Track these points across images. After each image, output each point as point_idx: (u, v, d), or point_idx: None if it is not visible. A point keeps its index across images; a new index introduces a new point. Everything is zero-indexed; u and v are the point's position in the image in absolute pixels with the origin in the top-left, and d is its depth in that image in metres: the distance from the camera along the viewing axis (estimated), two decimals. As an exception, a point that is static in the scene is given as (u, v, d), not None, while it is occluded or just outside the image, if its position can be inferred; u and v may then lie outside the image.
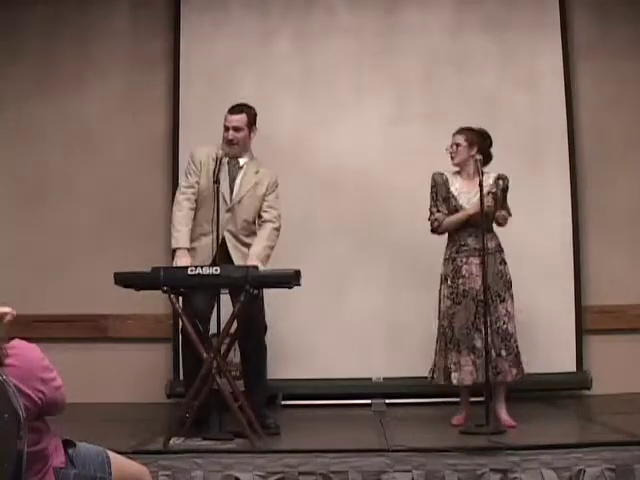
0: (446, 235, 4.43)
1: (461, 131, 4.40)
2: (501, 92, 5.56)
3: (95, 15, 5.77)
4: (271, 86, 5.59)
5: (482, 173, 4.18)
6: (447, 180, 4.40)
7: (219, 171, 4.13)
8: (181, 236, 4.23)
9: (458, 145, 4.37)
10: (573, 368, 5.37)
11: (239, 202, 4.25)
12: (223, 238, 4.19)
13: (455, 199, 4.35)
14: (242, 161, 4.31)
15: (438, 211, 4.38)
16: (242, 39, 5.64)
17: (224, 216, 4.18)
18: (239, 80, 5.56)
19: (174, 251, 4.26)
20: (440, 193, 4.40)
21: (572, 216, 5.47)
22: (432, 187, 4.42)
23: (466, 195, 4.34)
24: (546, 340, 5.21)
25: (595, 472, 3.45)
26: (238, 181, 4.27)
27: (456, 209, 4.34)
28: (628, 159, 5.60)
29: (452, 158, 4.39)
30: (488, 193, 4.29)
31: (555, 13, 5.63)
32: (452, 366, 4.25)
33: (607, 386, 5.25)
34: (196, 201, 4.26)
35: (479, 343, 4.16)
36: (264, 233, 4.27)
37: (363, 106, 5.59)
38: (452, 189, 4.38)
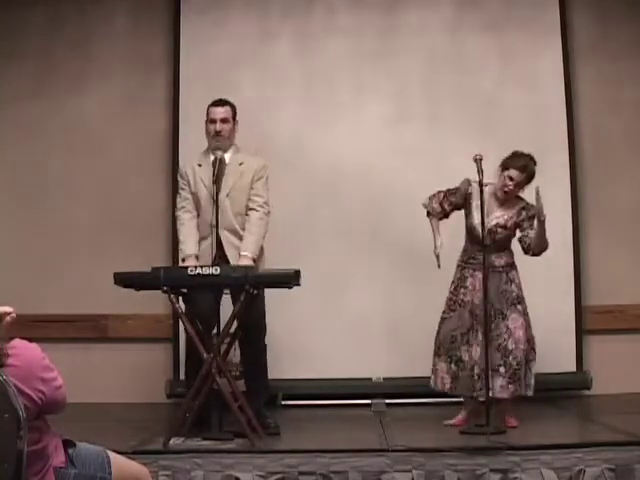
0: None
1: (519, 166, 4.28)
2: (501, 92, 5.55)
3: (95, 15, 5.76)
4: (271, 86, 5.59)
5: (481, 172, 4.15)
6: (471, 193, 4.32)
7: (219, 170, 4.14)
8: (186, 245, 4.29)
9: (512, 179, 4.27)
10: (573, 368, 5.37)
11: (227, 196, 4.25)
12: (220, 238, 4.21)
13: (471, 217, 4.31)
14: (227, 156, 4.32)
15: (438, 202, 4.37)
16: (242, 39, 5.63)
17: (214, 217, 4.18)
18: (239, 80, 5.55)
19: (182, 261, 4.28)
20: (453, 195, 4.36)
21: (572, 216, 5.47)
22: (455, 188, 4.37)
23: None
24: (546, 340, 5.19)
25: (595, 472, 3.46)
26: (224, 177, 4.27)
27: (470, 228, 4.32)
28: (628, 159, 5.60)
29: (505, 192, 4.27)
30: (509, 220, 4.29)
31: (555, 13, 5.62)
32: (432, 368, 4.32)
33: (607, 386, 5.25)
34: (196, 210, 4.32)
35: (466, 356, 4.21)
36: (249, 226, 4.26)
37: (363, 106, 5.58)
38: (472, 205, 4.32)
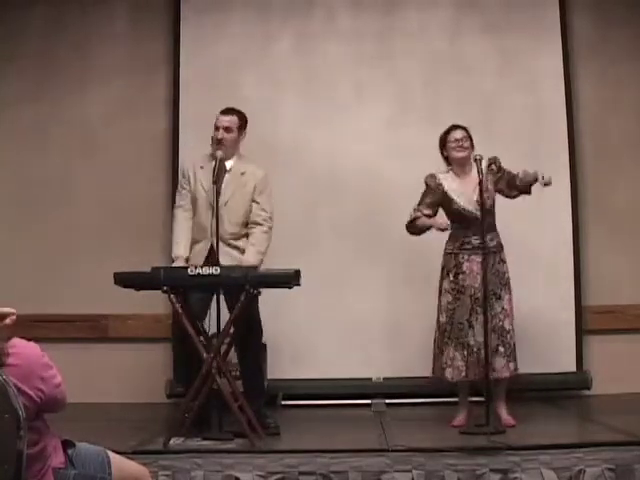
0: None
1: (461, 126, 4.42)
2: (501, 94, 5.55)
3: (96, 16, 5.76)
4: (271, 87, 5.59)
5: (482, 172, 4.17)
6: (441, 184, 4.38)
7: (218, 171, 4.14)
8: (177, 246, 4.31)
9: (465, 139, 4.38)
10: (573, 368, 5.38)
11: (225, 205, 4.24)
12: (213, 244, 4.19)
13: (455, 203, 4.33)
14: (229, 164, 4.32)
15: (419, 211, 4.39)
16: (242, 41, 5.63)
17: (212, 222, 4.17)
18: (239, 81, 5.56)
19: (172, 261, 4.31)
20: (428, 196, 4.40)
21: (572, 216, 5.47)
22: (425, 190, 4.42)
23: (465, 196, 4.33)
24: (546, 340, 5.21)
25: (595, 472, 3.47)
26: (224, 185, 4.26)
27: (458, 212, 4.34)
28: (628, 160, 5.60)
29: (462, 152, 4.35)
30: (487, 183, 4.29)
31: (555, 15, 5.63)
32: (447, 361, 4.26)
33: (607, 386, 5.25)
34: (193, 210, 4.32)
35: (472, 341, 4.20)
36: (253, 239, 4.26)
37: (363, 107, 5.58)
38: (450, 192, 4.35)
